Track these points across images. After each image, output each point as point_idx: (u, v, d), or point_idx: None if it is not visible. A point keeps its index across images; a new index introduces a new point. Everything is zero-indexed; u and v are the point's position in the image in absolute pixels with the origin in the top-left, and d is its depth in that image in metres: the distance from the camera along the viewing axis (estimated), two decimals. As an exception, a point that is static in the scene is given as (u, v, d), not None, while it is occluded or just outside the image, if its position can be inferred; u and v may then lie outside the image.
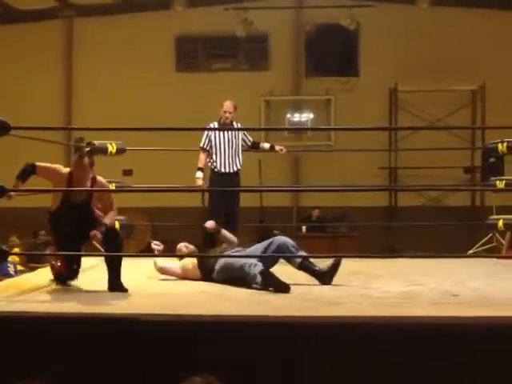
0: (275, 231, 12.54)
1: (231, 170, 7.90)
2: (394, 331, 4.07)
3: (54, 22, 14.89)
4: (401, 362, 3.99)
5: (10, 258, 9.63)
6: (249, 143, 8.20)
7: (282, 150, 8.36)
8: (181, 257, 6.30)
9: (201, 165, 7.98)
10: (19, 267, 10.05)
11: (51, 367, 3.93)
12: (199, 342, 4.04)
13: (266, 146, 8.45)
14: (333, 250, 11.25)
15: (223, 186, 7.84)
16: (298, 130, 14.33)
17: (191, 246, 6.36)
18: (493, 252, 9.54)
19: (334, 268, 5.72)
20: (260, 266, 5.51)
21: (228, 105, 8.03)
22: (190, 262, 6.12)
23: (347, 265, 6.56)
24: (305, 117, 14.49)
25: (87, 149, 9.02)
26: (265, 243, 5.97)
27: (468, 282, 5.89)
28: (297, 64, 14.94)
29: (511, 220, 8.85)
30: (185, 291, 5.54)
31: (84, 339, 4.05)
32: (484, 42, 14.06)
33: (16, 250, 9.91)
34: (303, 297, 5.11)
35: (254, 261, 5.58)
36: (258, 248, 6.01)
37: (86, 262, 7.08)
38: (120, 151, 9.15)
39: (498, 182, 8.93)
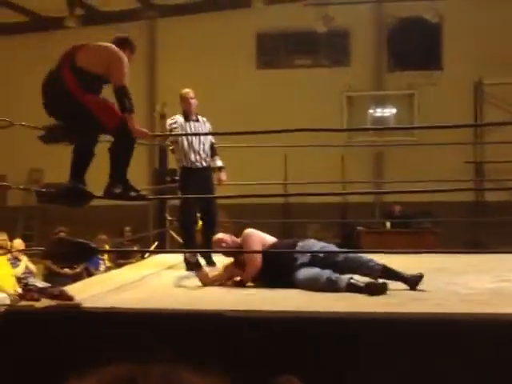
0: (358, 227, 12.49)
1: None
2: (485, 329, 4.00)
3: (137, 22, 15.13)
4: (491, 360, 3.91)
5: (100, 255, 9.90)
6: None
7: (220, 180, 7.07)
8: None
9: None
10: (107, 263, 10.28)
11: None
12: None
13: (219, 163, 7.11)
14: (416, 246, 11.08)
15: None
16: (378, 129, 14.18)
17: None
18: None
19: (420, 278, 5.41)
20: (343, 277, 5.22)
21: (188, 91, 7.00)
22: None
23: (431, 261, 6.48)
24: (387, 112, 14.35)
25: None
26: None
27: (558, 279, 5.73)
28: (378, 59, 14.80)
29: None
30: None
31: (165, 334, 4.12)
32: None
33: (106, 246, 10.17)
34: (387, 293, 5.06)
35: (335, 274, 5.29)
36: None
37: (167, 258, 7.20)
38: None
39: None
